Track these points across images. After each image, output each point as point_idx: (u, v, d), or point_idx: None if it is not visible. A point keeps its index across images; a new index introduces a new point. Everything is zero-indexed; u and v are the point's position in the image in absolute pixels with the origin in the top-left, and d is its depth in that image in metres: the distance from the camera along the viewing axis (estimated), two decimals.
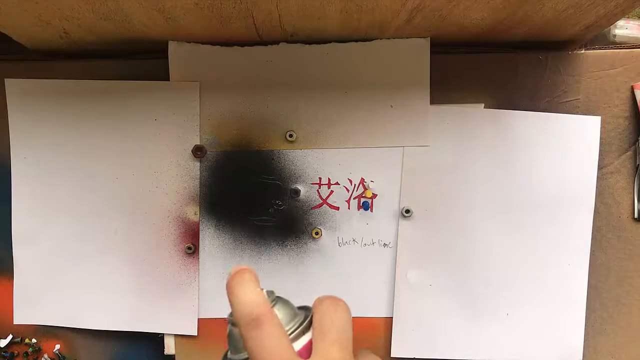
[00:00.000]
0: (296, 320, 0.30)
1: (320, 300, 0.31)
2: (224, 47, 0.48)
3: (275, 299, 0.30)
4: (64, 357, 0.52)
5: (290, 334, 0.29)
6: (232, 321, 0.30)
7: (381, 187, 0.49)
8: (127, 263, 0.50)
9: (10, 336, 0.52)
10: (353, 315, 0.52)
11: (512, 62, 0.49)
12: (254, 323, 0.28)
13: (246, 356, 0.29)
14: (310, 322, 0.30)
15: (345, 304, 0.31)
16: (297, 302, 0.53)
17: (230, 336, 0.31)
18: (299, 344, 0.29)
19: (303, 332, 0.29)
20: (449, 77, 0.49)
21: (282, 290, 0.50)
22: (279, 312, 0.30)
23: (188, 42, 0.47)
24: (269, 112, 0.49)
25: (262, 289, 0.30)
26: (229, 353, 0.31)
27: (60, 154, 0.49)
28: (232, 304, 0.29)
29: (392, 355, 0.50)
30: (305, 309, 0.31)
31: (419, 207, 0.49)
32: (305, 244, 0.50)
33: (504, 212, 0.49)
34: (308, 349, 0.29)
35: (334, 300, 0.30)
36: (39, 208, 0.50)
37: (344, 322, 0.30)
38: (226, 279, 0.30)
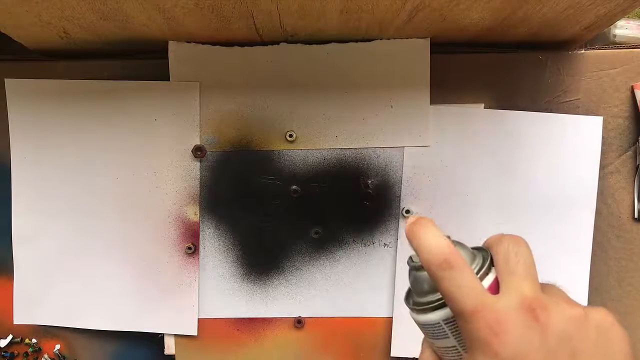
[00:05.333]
0: (477, 261, 0.30)
1: (499, 239, 0.31)
2: (224, 47, 0.48)
3: (454, 242, 0.31)
4: (64, 357, 0.52)
5: (476, 274, 0.29)
6: (415, 266, 0.31)
7: (381, 187, 0.49)
8: (127, 263, 0.50)
9: (10, 336, 0.52)
10: (353, 315, 0.52)
11: (512, 62, 0.49)
12: (445, 264, 0.28)
13: (439, 296, 0.29)
14: (491, 261, 0.30)
15: (524, 240, 0.31)
16: (297, 302, 0.53)
17: (415, 281, 0.31)
18: (485, 283, 0.29)
19: (487, 272, 0.30)
20: (449, 77, 0.49)
21: (283, 290, 0.50)
22: (461, 254, 0.30)
23: (188, 42, 0.47)
24: (269, 112, 0.49)
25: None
26: (414, 297, 0.31)
27: (60, 154, 0.49)
28: (418, 249, 0.29)
29: (391, 355, 0.50)
30: (480, 249, 0.32)
31: (419, 207, 0.49)
32: (305, 244, 0.50)
33: (504, 212, 0.49)
34: (494, 286, 0.29)
35: (514, 237, 0.30)
36: (39, 208, 0.50)
37: (529, 258, 0.30)
38: (405, 227, 0.30)
